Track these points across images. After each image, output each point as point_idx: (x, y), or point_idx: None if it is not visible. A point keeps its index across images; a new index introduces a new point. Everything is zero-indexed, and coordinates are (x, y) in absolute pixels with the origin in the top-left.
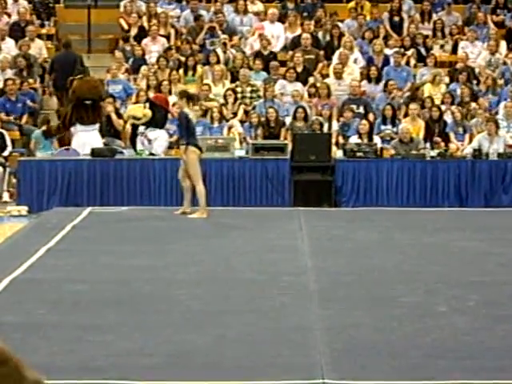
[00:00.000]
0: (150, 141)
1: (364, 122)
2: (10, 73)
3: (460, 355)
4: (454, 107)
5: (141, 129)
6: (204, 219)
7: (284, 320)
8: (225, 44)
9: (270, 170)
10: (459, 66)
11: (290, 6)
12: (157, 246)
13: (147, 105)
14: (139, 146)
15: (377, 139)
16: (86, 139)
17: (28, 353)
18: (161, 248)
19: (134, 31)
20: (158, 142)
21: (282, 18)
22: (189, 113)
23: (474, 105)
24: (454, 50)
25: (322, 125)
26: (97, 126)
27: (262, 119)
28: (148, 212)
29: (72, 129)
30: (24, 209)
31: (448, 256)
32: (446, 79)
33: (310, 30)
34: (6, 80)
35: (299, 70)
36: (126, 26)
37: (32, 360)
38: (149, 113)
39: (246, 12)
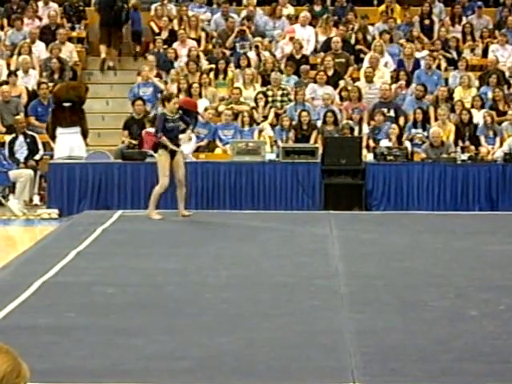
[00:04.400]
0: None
1: (394, 126)
2: (35, 75)
3: (491, 359)
4: (484, 111)
5: None
6: (228, 223)
7: (315, 323)
8: (257, 47)
9: (300, 173)
10: (489, 69)
11: (315, 9)
12: (187, 249)
13: (180, 111)
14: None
15: (407, 143)
16: (65, 142)
17: (59, 356)
18: (191, 251)
19: (164, 34)
20: (187, 145)
21: (312, 22)
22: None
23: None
24: (485, 54)
25: (352, 129)
26: (78, 128)
27: (293, 122)
28: (178, 215)
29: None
30: (54, 212)
31: (479, 260)
32: (477, 83)
33: (341, 33)
34: (39, 83)
35: (330, 73)
36: (156, 29)
37: (63, 363)
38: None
39: (278, 16)
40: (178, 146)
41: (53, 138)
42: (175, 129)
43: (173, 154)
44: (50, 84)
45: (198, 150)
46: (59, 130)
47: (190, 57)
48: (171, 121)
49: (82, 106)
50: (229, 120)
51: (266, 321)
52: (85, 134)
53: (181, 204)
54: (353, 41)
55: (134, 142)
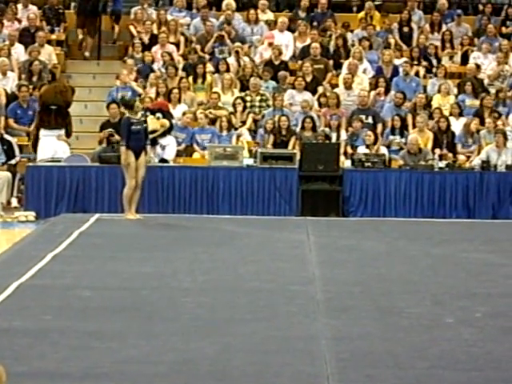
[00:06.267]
0: (163, 147)
1: (369, 132)
2: (14, 77)
3: (467, 367)
4: (469, 118)
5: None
6: (205, 227)
7: (291, 329)
8: (237, 52)
9: (278, 179)
10: (468, 77)
11: (300, 15)
12: (164, 253)
13: (159, 115)
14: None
15: (384, 149)
16: (49, 144)
17: (34, 358)
18: (168, 255)
19: (144, 38)
20: (169, 147)
21: (291, 28)
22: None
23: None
24: (464, 61)
25: (327, 136)
26: (62, 131)
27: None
28: (155, 219)
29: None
30: (32, 214)
31: (455, 267)
32: (455, 90)
33: (320, 39)
34: (20, 86)
35: (308, 79)
36: (135, 33)
37: (39, 366)
38: (166, 123)
39: (256, 21)
40: (145, 148)
41: (36, 141)
42: (140, 131)
43: (137, 154)
44: (30, 87)
45: (176, 154)
46: (43, 132)
47: (165, 62)
48: (136, 123)
49: (67, 109)
50: (205, 124)
51: (242, 326)
52: (68, 135)
53: (133, 205)
54: (332, 48)
55: (113, 131)
